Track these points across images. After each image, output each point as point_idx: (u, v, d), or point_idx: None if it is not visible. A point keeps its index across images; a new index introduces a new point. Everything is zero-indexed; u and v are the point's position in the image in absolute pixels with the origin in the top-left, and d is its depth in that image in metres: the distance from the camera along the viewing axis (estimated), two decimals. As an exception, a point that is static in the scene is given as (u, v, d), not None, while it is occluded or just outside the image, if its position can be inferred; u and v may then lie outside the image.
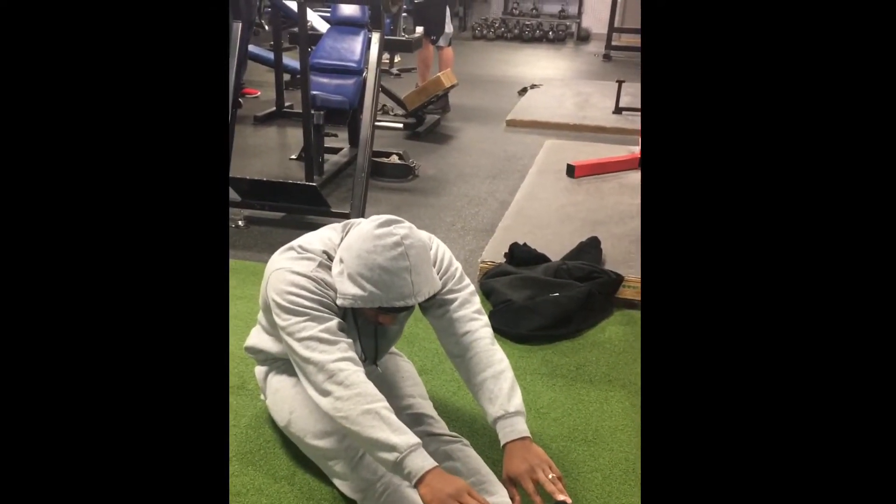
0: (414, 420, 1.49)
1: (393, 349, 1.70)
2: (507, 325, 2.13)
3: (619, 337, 2.15)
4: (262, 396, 1.65)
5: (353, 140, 3.83)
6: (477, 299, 1.46)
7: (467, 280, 1.46)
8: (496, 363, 1.38)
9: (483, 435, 1.67)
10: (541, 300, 2.18)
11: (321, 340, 1.26)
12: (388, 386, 1.57)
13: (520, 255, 2.49)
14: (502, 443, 1.31)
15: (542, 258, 2.49)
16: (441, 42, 4.82)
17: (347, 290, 1.28)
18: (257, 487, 1.48)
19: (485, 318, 1.44)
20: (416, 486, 1.18)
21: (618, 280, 2.33)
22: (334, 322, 1.29)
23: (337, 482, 1.43)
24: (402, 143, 4.25)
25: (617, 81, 4.82)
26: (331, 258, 1.36)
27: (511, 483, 1.27)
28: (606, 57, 7.56)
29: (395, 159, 3.68)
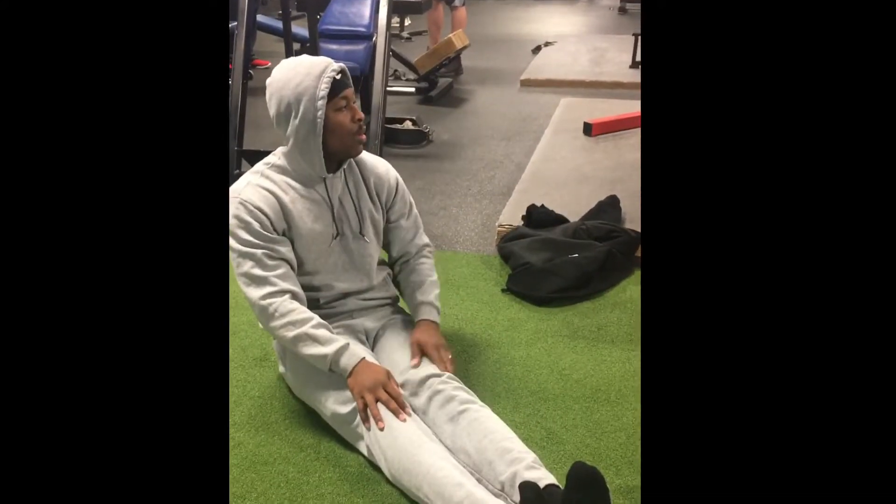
0: (422, 382, 1.46)
1: (404, 312, 1.70)
2: (527, 288, 2.12)
3: (639, 296, 2.13)
4: (280, 368, 1.66)
5: (366, 107, 3.79)
6: (424, 233, 1.71)
7: (415, 209, 1.68)
8: (434, 277, 1.68)
9: (506, 398, 1.67)
10: (560, 262, 2.16)
11: (251, 278, 1.43)
12: (395, 353, 1.56)
13: (538, 217, 2.46)
14: (417, 318, 1.60)
15: (561, 219, 2.47)
16: (456, 2, 4.72)
17: (294, 113, 1.39)
18: (284, 456, 1.50)
19: (432, 247, 1.73)
20: (347, 379, 1.42)
21: (637, 238, 2.30)
22: (261, 252, 1.42)
23: (360, 445, 1.44)
24: (415, 108, 4.20)
25: (633, 35, 4.70)
26: (273, 164, 1.51)
27: (416, 347, 1.51)
28: (622, 10, 7.38)
29: (408, 125, 3.64)
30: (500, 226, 2.50)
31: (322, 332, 1.43)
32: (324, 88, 1.38)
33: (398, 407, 1.37)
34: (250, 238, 1.42)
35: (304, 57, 1.43)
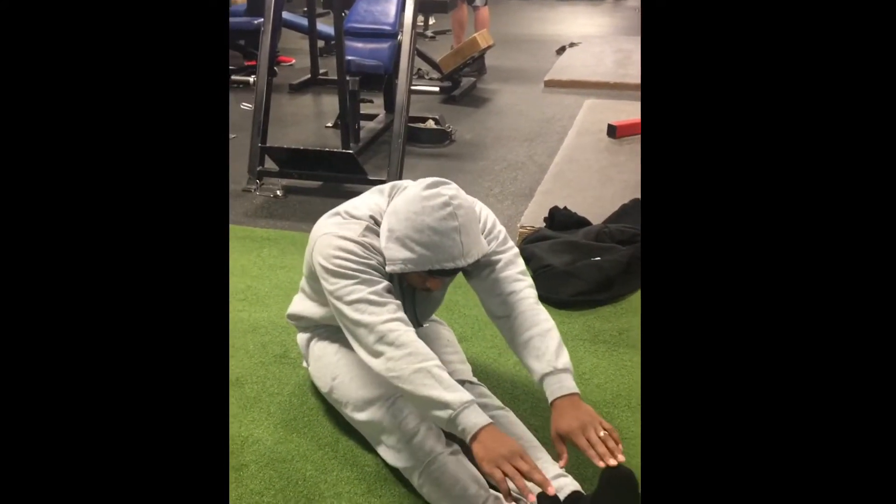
0: None
1: (433, 316, 1.69)
2: (548, 291, 2.10)
3: (663, 301, 2.10)
4: (304, 364, 1.66)
5: (389, 106, 3.80)
6: (521, 261, 1.43)
7: (511, 242, 1.44)
8: (542, 322, 1.35)
9: (524, 401, 1.66)
10: (582, 264, 2.15)
11: (370, 302, 1.25)
12: None
13: (560, 219, 2.44)
14: (550, 399, 1.27)
15: (583, 222, 2.45)
16: (478, 2, 4.71)
17: (397, 254, 1.26)
18: (302, 454, 1.50)
19: (529, 280, 1.42)
20: (469, 442, 1.17)
21: (661, 243, 2.27)
22: (383, 284, 1.28)
23: (381, 450, 1.43)
24: (438, 107, 4.20)
25: (659, 36, 4.65)
26: (378, 223, 1.34)
27: (560, 440, 1.23)
28: (648, 11, 7.31)
29: (431, 124, 3.64)
30: (522, 227, 2.48)
31: (447, 376, 1.22)
32: (417, 267, 1.26)
33: (545, 478, 1.14)
34: (370, 270, 1.28)
35: (450, 221, 1.22)
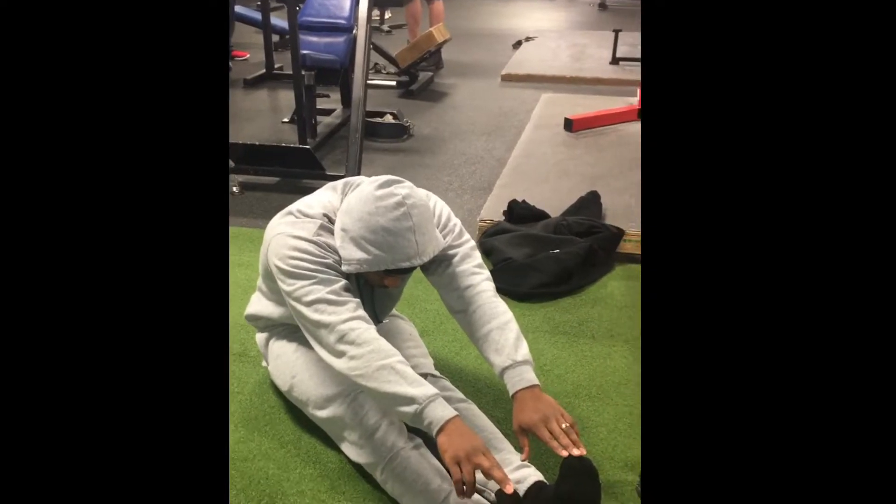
0: None
1: (393, 311, 1.69)
2: (508, 284, 2.12)
3: (620, 292, 2.14)
4: (263, 363, 1.64)
5: (346, 100, 3.77)
6: (477, 254, 1.43)
7: (467, 235, 1.44)
8: (500, 315, 1.35)
9: (487, 394, 1.67)
10: (541, 257, 2.17)
11: (329, 302, 1.24)
12: None
13: (519, 213, 2.46)
14: (511, 392, 1.28)
15: (542, 215, 2.47)
16: (431, -5, 4.71)
17: (352, 255, 1.25)
18: (264, 453, 1.49)
19: (486, 273, 1.41)
20: (436, 435, 1.17)
21: (618, 234, 2.32)
22: (340, 283, 1.27)
23: (344, 446, 1.43)
24: (395, 101, 4.18)
25: (613, 31, 4.72)
26: (331, 220, 1.33)
27: (522, 433, 1.24)
28: (602, 6, 7.41)
29: (389, 119, 3.62)
30: (482, 221, 2.49)
31: (410, 371, 1.21)
32: (372, 268, 1.26)
33: (505, 476, 1.14)
34: (327, 270, 1.27)
35: (405, 221, 1.22)
